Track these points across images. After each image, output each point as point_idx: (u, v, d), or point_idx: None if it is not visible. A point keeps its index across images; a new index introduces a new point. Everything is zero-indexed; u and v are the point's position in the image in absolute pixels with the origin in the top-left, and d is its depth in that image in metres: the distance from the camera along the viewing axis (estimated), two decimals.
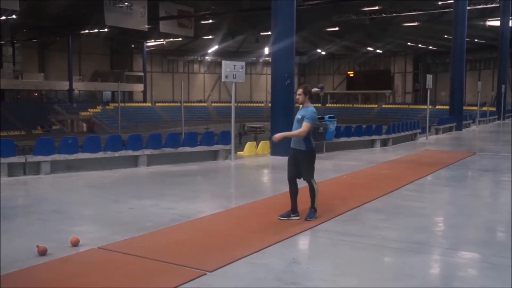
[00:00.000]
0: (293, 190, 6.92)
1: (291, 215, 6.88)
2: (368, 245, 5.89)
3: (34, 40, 48.57)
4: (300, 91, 6.80)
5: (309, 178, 6.92)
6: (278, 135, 6.83)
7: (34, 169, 11.28)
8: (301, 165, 6.89)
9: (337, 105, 64.54)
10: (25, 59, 48.52)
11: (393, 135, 18.63)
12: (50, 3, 35.99)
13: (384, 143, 18.14)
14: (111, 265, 5.19)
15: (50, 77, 51.11)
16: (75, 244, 5.75)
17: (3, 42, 45.35)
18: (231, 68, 13.41)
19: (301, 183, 6.98)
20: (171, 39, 52.36)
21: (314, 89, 7.15)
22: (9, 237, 6.28)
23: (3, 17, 36.40)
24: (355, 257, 5.50)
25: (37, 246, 5.47)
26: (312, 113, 6.70)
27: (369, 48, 58.94)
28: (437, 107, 50.46)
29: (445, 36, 42.08)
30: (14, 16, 35.69)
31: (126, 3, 36.75)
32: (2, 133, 33.63)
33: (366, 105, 64.07)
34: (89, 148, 11.99)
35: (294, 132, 6.76)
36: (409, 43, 55.87)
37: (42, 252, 5.43)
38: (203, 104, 63.08)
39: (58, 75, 50.70)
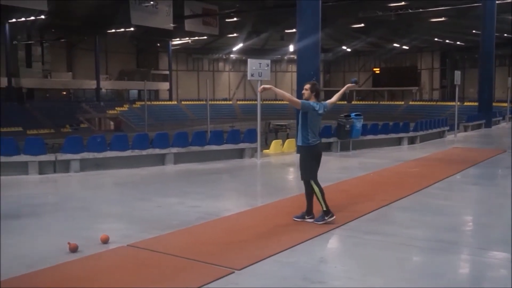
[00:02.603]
0: (307, 191, 6.73)
1: (306, 217, 6.74)
2: (395, 244, 5.85)
3: (62, 40, 49.32)
4: (307, 86, 6.62)
5: (307, 178, 6.64)
6: (265, 86, 6.57)
7: (64, 167, 11.51)
8: (301, 163, 6.73)
9: (363, 102, 63.98)
10: (53, 59, 49.31)
11: (421, 133, 18.40)
12: (77, 3, 36.52)
13: (412, 140, 17.93)
14: (140, 262, 5.26)
15: (78, 76, 51.86)
16: (105, 241, 5.85)
17: (32, 42, 46.18)
18: (256, 66, 13.43)
19: (322, 182, 6.83)
20: (196, 38, 52.55)
21: (349, 85, 7.10)
22: (40, 234, 6.43)
23: (32, 18, 37.08)
24: (382, 256, 5.47)
25: (69, 243, 5.58)
26: (310, 103, 6.45)
27: (395, 44, 58.21)
28: (465, 103, 49.57)
29: (473, 31, 41.28)
30: (42, 17, 36.30)
31: (152, 2, 37.05)
32: (32, 132, 34.34)
33: (393, 102, 63.34)
34: (117, 147, 12.17)
35: (284, 92, 6.48)
36: (436, 39, 54.98)
37: (74, 249, 5.54)
38: (228, 102, 63.20)
39: (85, 74, 51.40)
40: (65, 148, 11.64)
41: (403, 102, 62.45)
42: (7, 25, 40.33)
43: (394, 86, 63.48)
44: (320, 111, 6.53)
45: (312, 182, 6.56)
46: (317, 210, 6.68)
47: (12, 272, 4.89)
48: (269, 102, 52.84)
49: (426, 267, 5.23)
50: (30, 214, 7.53)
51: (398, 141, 17.54)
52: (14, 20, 39.03)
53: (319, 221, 6.52)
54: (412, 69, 64.31)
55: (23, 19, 37.93)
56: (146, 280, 4.73)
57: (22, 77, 44.55)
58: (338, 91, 7.10)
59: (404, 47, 59.40)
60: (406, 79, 62.77)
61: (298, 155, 6.92)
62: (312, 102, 6.50)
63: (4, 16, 37.69)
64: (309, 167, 6.62)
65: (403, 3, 38.88)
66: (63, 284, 4.66)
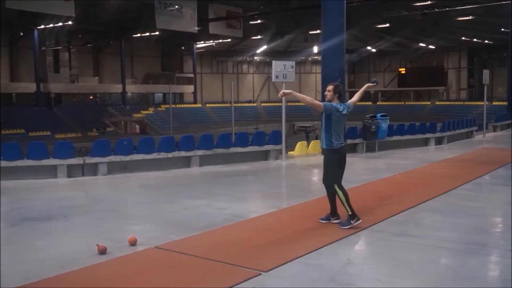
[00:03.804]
0: (329, 193, 6.64)
1: (331, 219, 6.70)
2: (424, 246, 5.77)
3: (89, 45, 50.12)
4: (330, 87, 6.49)
5: (330, 182, 6.53)
6: (285, 91, 6.52)
7: (92, 170, 11.69)
8: (324, 166, 6.64)
9: (388, 102, 63.41)
10: (80, 64, 50.13)
11: (448, 133, 18.15)
12: (104, 9, 37.09)
13: (439, 141, 17.70)
14: (168, 264, 5.30)
15: (104, 80, 52.65)
16: (133, 243, 5.91)
17: (60, 47, 47.02)
18: (281, 68, 13.44)
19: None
20: (220, 40, 52.85)
21: (369, 84, 7.04)
22: (70, 236, 6.54)
23: (60, 24, 37.79)
24: (411, 258, 5.40)
25: (97, 245, 5.66)
26: (332, 105, 6.35)
27: (421, 44, 57.56)
28: (494, 103, 48.70)
29: (502, 29, 40.55)
30: (70, 22, 36.97)
31: (176, 6, 37.39)
32: (60, 136, 34.96)
33: (419, 103, 62.62)
34: (144, 149, 12.31)
35: (304, 96, 6.35)
36: (463, 38, 54.18)
37: (102, 251, 5.61)
38: (252, 104, 63.34)
39: (111, 78, 52.17)
40: (93, 152, 11.82)
41: (429, 102, 61.67)
42: (36, 32, 41.17)
43: (420, 86, 62.75)
44: (344, 112, 6.44)
45: (336, 186, 6.45)
46: (342, 212, 6.62)
47: (42, 273, 4.98)
48: (294, 103, 52.71)
49: (456, 269, 5.15)
50: (59, 216, 7.66)
51: (425, 142, 17.33)
52: (42, 26, 39.83)
53: (345, 226, 6.41)
54: (439, 68, 63.47)
55: (51, 25, 38.68)
56: (174, 282, 4.77)
57: (50, 82, 45.40)
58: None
59: (430, 46, 58.70)
60: (432, 79, 61.99)
61: (323, 156, 6.85)
62: (335, 103, 6.42)
63: (33, 23, 38.52)
64: (332, 171, 6.52)
65: (429, 2, 38.41)
66: (92, 285, 4.72)
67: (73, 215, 7.77)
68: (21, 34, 42.49)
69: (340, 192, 6.42)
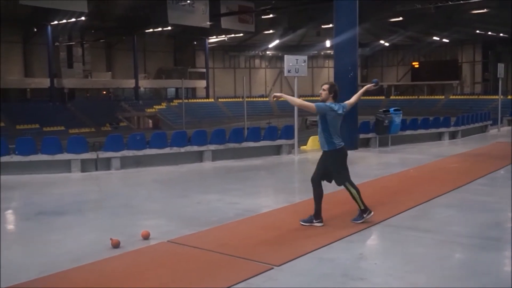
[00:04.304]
0: (316, 192, 6.35)
1: (314, 221, 6.34)
2: (438, 241, 5.74)
3: (102, 40, 50.34)
4: (325, 86, 6.25)
5: (342, 182, 6.39)
6: (276, 94, 6.20)
7: (105, 165, 11.78)
8: (331, 168, 6.36)
9: (401, 97, 62.91)
10: (93, 59, 50.37)
11: (462, 127, 18.01)
12: (116, 4, 37.24)
13: (453, 135, 17.57)
14: (180, 258, 5.34)
15: (117, 75, 52.87)
16: (146, 237, 5.95)
17: (73, 43, 47.29)
18: (293, 63, 13.41)
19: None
20: (232, 35, 52.79)
21: (369, 85, 6.84)
22: (83, 231, 6.61)
23: (73, 19, 38.00)
24: (424, 253, 5.37)
25: (111, 239, 5.71)
26: (326, 104, 6.13)
27: (434, 38, 57.01)
28: (509, 97, 48.15)
29: None
30: (82, 18, 37.16)
31: (188, 1, 37.43)
32: (73, 131, 35.23)
33: (432, 97, 62.09)
34: (156, 144, 12.38)
35: (295, 99, 6.30)
36: (477, 31, 53.57)
37: (116, 245, 5.66)
38: (264, 99, 63.23)
39: (124, 73, 52.36)
40: (106, 147, 11.91)
41: (443, 96, 61.12)
42: (49, 27, 41.45)
43: (434, 80, 62.15)
44: (340, 111, 6.20)
45: (348, 184, 6.35)
46: (354, 207, 6.56)
47: (58, 266, 5.04)
48: (306, 98, 52.61)
49: (469, 264, 5.12)
50: (73, 211, 7.74)
51: (439, 136, 17.21)
52: (55, 22, 40.08)
53: (358, 220, 6.37)
54: (453, 62, 62.80)
55: (64, 21, 38.91)
56: (186, 276, 4.80)
57: (63, 77, 45.72)
58: None
59: (444, 40, 58.07)
60: (446, 73, 61.33)
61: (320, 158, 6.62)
62: (329, 103, 6.20)
63: (46, 19, 38.78)
64: (341, 172, 6.36)
65: None
66: (106, 278, 4.76)
67: (87, 210, 7.85)
68: (35, 30, 42.76)
69: (352, 190, 6.34)
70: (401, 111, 15.55)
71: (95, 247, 5.69)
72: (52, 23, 40.72)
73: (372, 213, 6.47)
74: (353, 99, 6.76)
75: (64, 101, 44.90)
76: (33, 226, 6.93)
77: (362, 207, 6.39)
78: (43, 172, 11.24)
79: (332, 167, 6.37)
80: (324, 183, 6.42)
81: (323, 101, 6.22)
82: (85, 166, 11.63)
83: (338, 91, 6.30)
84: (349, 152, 6.74)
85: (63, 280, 4.77)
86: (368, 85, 6.85)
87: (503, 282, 4.59)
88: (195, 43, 58.77)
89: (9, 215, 8.01)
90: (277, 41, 57.06)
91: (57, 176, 11.05)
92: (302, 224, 6.35)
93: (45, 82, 43.49)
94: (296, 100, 6.37)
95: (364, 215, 6.39)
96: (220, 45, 60.71)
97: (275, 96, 6.25)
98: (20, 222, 7.54)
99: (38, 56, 44.43)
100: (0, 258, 5.25)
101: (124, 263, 5.22)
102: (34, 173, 11.16)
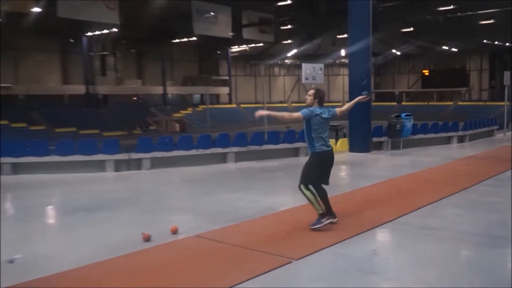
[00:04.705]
0: (320, 192, 6.09)
1: (322, 220, 6.00)
2: (447, 239, 5.71)
3: (132, 50, 50.92)
4: (311, 92, 6.12)
5: (301, 182, 6.08)
6: (261, 112, 6.11)
7: (136, 165, 11.94)
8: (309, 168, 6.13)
9: (412, 103, 62.27)
10: (125, 68, 50.89)
11: (470, 132, 17.79)
12: (145, 16, 37.60)
13: (461, 139, 17.36)
14: (207, 251, 5.40)
15: (147, 82, 53.37)
16: (175, 232, 6.04)
17: (106, 53, 47.92)
18: (310, 70, 13.44)
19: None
20: (253, 45, 52.92)
21: (360, 97, 6.90)
22: (117, 225, 6.73)
23: (106, 31, 38.55)
24: (434, 250, 5.36)
25: (143, 233, 5.80)
26: (309, 109, 6.01)
27: (444, 47, 56.40)
28: None
29: None
30: (114, 30, 37.66)
31: (212, 13, 37.66)
32: (107, 134, 35.62)
33: (442, 103, 61.36)
34: (183, 146, 12.51)
35: (282, 114, 6.20)
36: (485, 41, 52.83)
37: (147, 239, 5.75)
38: (283, 105, 63.15)
39: (153, 80, 52.82)
40: (137, 148, 12.07)
41: (452, 103, 60.37)
42: (84, 38, 42.09)
43: (443, 87, 61.47)
44: (325, 115, 6.03)
45: (302, 187, 6.04)
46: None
47: (94, 258, 5.15)
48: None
49: (477, 261, 5.09)
50: (108, 207, 7.87)
51: (448, 140, 17.03)
52: (90, 33, 40.69)
53: (315, 225, 5.95)
54: (461, 70, 62.05)
55: (98, 32, 39.49)
56: (213, 267, 4.86)
57: (98, 84, 46.35)
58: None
59: (453, 49, 57.44)
60: (455, 81, 60.62)
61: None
62: (313, 107, 6.04)
63: (81, 30, 39.41)
64: (308, 173, 6.10)
65: (451, 6, 37.62)
66: (138, 269, 4.86)
67: (120, 206, 7.97)
68: (72, 41, 43.44)
69: (307, 192, 6.00)
70: (412, 116, 15.45)
71: (128, 241, 5.79)
72: (87, 35, 41.33)
73: (336, 219, 6.17)
74: (345, 107, 6.68)
75: (98, 106, 45.49)
76: (72, 221, 7.07)
77: (320, 211, 6.00)
78: (80, 171, 11.44)
79: (304, 166, 6.21)
80: (329, 186, 6.34)
81: (309, 106, 6.12)
82: (118, 166, 11.80)
83: (324, 97, 6.16)
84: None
85: (99, 270, 4.87)
86: (359, 97, 6.92)
87: (508, 278, 4.57)
88: (218, 52, 58.99)
89: (50, 211, 8.19)
90: (295, 50, 57.01)
91: (93, 175, 11.24)
92: (313, 229, 5.96)
93: (81, 89, 44.13)
94: (285, 115, 6.20)
95: (322, 220, 5.97)
96: (241, 54, 60.88)
97: (260, 114, 6.13)
98: (61, 217, 7.70)
99: (75, 65, 45.05)
100: (0, 258, 5.20)
101: (155, 255, 5.30)
102: (72, 172, 11.36)
